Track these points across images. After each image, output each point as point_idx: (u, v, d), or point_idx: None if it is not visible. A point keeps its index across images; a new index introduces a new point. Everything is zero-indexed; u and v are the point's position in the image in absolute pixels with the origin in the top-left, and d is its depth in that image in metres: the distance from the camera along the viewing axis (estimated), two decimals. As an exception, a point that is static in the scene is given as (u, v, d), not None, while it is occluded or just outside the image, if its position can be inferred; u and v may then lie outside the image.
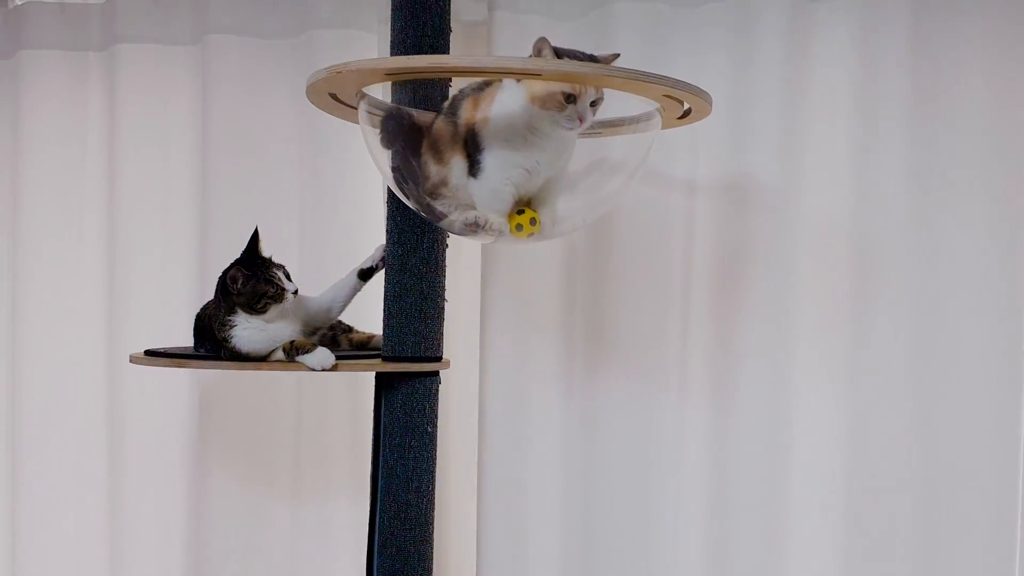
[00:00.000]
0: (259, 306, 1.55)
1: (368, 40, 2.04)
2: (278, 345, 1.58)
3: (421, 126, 1.44)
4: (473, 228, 1.35)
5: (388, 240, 1.64)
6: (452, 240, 1.69)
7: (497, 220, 1.33)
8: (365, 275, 1.70)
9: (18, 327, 2.26)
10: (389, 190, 1.55)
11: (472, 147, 1.33)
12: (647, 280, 1.88)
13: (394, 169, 1.47)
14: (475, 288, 2.00)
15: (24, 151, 2.27)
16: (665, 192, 1.87)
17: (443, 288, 1.67)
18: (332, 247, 2.03)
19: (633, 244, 1.88)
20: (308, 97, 1.42)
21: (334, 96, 1.41)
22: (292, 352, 1.58)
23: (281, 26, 2.11)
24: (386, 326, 1.64)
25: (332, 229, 2.04)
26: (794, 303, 1.80)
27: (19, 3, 2.35)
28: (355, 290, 1.71)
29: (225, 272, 1.58)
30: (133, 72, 2.21)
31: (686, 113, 1.46)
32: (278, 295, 1.57)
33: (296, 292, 1.60)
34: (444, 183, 1.38)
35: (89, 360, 2.25)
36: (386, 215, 1.64)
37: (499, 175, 1.33)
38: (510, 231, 1.37)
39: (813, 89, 1.79)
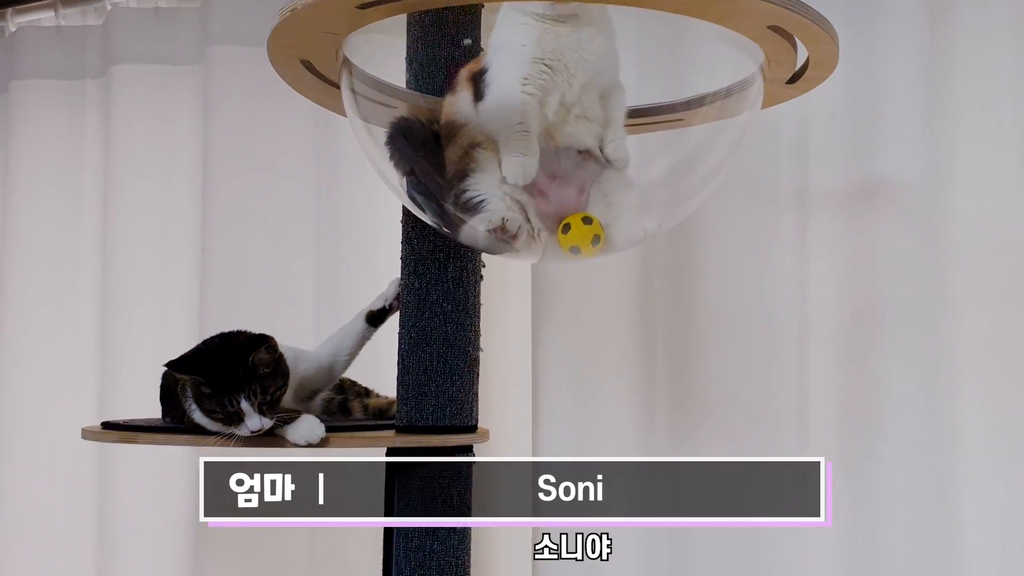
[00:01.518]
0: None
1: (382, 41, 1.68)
2: None
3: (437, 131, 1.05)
4: (500, 233, 0.93)
5: (403, 271, 1.24)
6: (491, 267, 1.29)
7: (516, 218, 0.91)
8: (376, 318, 1.31)
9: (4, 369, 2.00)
10: (404, 206, 1.16)
11: (478, 76, 0.98)
12: (749, 318, 1.44)
13: (407, 175, 1.08)
14: (524, 333, 1.57)
15: (15, 193, 2.04)
16: (768, 206, 1.43)
17: (477, 333, 1.26)
18: (350, 280, 1.69)
19: (728, 272, 1.45)
20: (276, 69, 1.04)
21: (309, 66, 1.02)
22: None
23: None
24: (400, 385, 1.24)
25: (350, 257, 1.70)
26: (948, 337, 1.37)
27: (13, 30, 2.09)
28: (363, 338, 1.31)
29: (182, 362, 1.18)
30: (131, 95, 1.96)
31: (797, 76, 1.03)
32: (228, 420, 1.14)
33: (258, 432, 1.13)
34: (462, 159, 0.97)
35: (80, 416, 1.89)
36: (401, 238, 1.25)
37: (509, 76, 0.95)
38: (558, 240, 0.95)
39: (959, 75, 1.39)
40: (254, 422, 1.12)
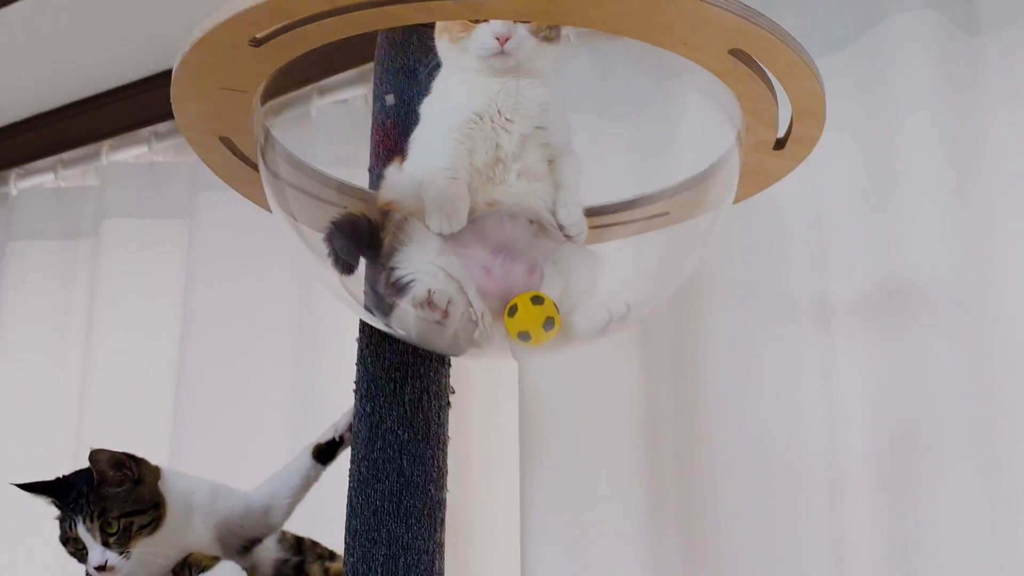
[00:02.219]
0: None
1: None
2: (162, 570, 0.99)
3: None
4: (429, 310, 0.77)
5: (356, 396, 1.07)
6: (473, 400, 1.12)
7: (445, 291, 0.76)
8: (325, 454, 1.13)
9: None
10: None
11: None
12: (770, 451, 1.22)
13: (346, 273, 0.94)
14: (511, 475, 1.35)
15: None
16: (783, 319, 1.24)
17: (441, 470, 1.06)
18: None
19: (744, 399, 1.24)
20: (196, 151, 0.92)
21: (232, 146, 0.91)
22: (185, 574, 0.98)
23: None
24: (347, 531, 1.03)
25: (328, 395, 1.52)
26: (1007, 460, 1.12)
27: (15, 193, 2.08)
28: (309, 478, 1.12)
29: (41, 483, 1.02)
30: (121, 247, 1.92)
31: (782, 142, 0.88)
32: (75, 552, 0.97)
33: (102, 569, 0.95)
34: (393, 237, 0.84)
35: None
36: (356, 358, 1.09)
37: (434, 126, 0.86)
38: (505, 325, 0.79)
39: (990, 146, 1.19)
40: (95, 555, 0.93)
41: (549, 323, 0.80)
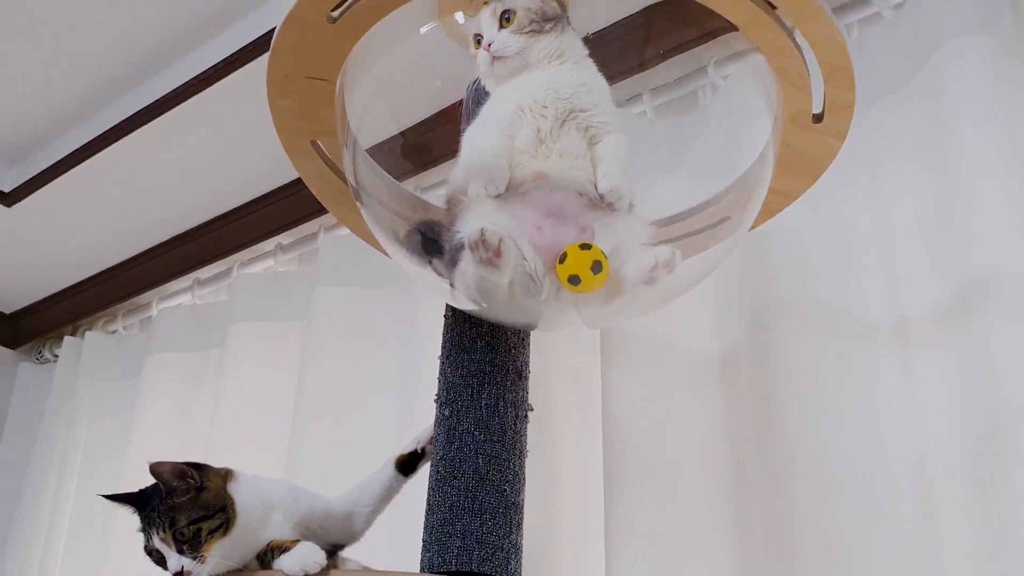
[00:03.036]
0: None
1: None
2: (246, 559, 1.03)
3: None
4: (482, 251, 0.84)
5: (436, 402, 1.12)
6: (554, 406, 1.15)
7: (497, 231, 0.84)
8: (407, 465, 1.15)
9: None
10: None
11: None
12: (858, 472, 1.17)
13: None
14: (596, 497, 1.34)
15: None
16: (861, 341, 1.23)
17: (517, 475, 1.08)
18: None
19: (827, 423, 1.22)
20: (292, 161, 1.04)
21: (321, 154, 1.02)
22: (268, 557, 1.01)
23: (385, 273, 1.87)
24: (425, 528, 1.06)
25: None
26: None
27: (155, 314, 2.28)
28: (391, 488, 1.14)
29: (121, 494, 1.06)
30: (243, 350, 2.05)
31: (818, 119, 0.93)
32: (158, 561, 1.01)
33: (181, 573, 0.98)
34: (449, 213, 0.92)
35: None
36: (438, 373, 1.15)
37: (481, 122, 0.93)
38: (556, 273, 0.84)
39: None
40: (172, 563, 0.96)
41: (597, 266, 0.84)
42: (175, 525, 0.98)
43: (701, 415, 1.29)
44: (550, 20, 0.96)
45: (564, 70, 0.96)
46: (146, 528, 1.00)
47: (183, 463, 1.03)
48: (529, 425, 1.13)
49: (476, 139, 0.96)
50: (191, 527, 0.98)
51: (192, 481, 1.01)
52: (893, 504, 1.14)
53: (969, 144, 1.21)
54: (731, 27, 0.89)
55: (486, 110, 0.98)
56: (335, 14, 0.84)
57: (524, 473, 1.10)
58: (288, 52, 0.89)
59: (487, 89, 0.99)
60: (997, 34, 1.26)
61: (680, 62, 1.49)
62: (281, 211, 2.03)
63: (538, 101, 0.93)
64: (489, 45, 0.95)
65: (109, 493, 1.05)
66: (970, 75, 1.23)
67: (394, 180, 1.08)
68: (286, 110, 0.96)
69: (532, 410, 1.15)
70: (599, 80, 0.97)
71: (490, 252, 0.83)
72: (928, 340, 1.18)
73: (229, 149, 1.95)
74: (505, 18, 0.95)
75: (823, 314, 1.26)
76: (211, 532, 0.99)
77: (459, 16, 1.01)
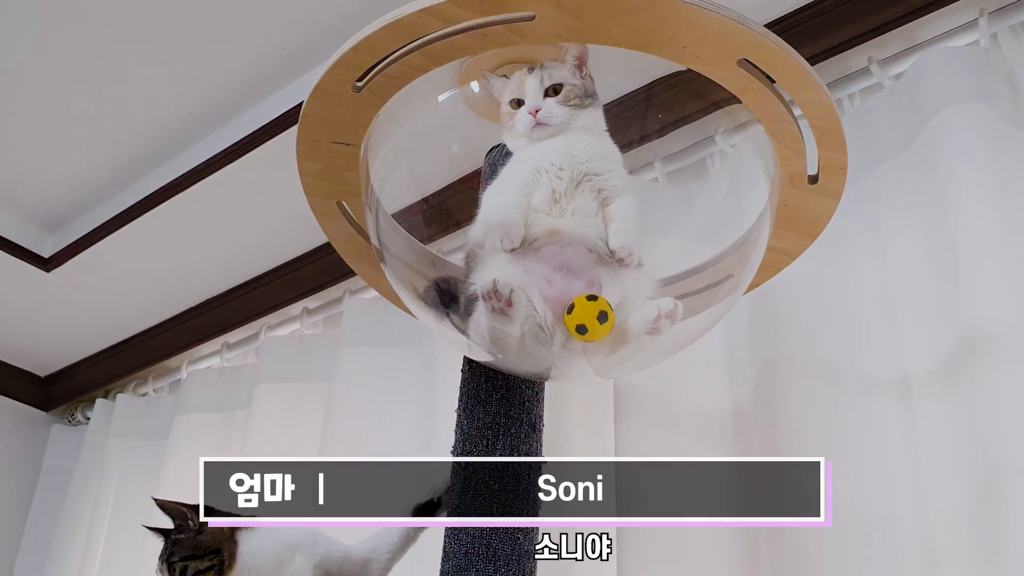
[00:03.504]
0: None
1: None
2: None
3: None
4: (494, 301, 0.89)
5: (453, 453, 1.17)
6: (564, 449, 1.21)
7: (509, 283, 0.90)
8: (423, 513, 1.18)
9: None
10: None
11: None
12: (868, 526, 1.19)
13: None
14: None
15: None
16: (865, 395, 1.26)
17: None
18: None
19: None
20: (319, 222, 1.10)
21: (347, 215, 1.09)
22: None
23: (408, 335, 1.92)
24: (442, 574, 1.09)
25: None
26: None
27: (184, 376, 2.34)
28: (408, 537, 1.18)
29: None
30: (269, 408, 2.10)
31: (814, 180, 0.98)
32: None
33: None
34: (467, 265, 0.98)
35: None
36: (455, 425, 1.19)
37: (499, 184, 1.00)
38: (565, 324, 0.89)
39: None
40: None
41: (603, 316, 0.89)
42: (171, 559, 1.04)
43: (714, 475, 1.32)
44: (589, 96, 1.04)
45: (583, 138, 1.03)
46: (160, 557, 1.05)
47: (184, 504, 1.07)
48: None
49: (495, 197, 1.03)
50: (180, 563, 1.04)
51: (191, 523, 1.06)
52: (897, 551, 1.17)
53: (966, 206, 1.26)
54: (734, 98, 0.96)
55: (506, 171, 1.04)
56: (360, 84, 0.91)
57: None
58: (316, 119, 0.96)
59: (510, 149, 1.06)
60: (992, 103, 1.32)
61: (689, 131, 1.56)
62: (307, 276, 2.10)
63: (555, 164, 1.00)
64: (536, 111, 1.02)
65: (150, 526, 1.11)
66: (966, 141, 1.29)
67: (414, 239, 1.14)
68: (314, 173, 1.03)
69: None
70: (612, 148, 1.04)
71: (502, 302, 0.89)
72: (929, 394, 1.22)
73: (257, 217, 2.03)
74: (553, 89, 1.03)
75: (829, 371, 1.30)
76: (197, 572, 1.04)
77: (474, 85, 1.08)
